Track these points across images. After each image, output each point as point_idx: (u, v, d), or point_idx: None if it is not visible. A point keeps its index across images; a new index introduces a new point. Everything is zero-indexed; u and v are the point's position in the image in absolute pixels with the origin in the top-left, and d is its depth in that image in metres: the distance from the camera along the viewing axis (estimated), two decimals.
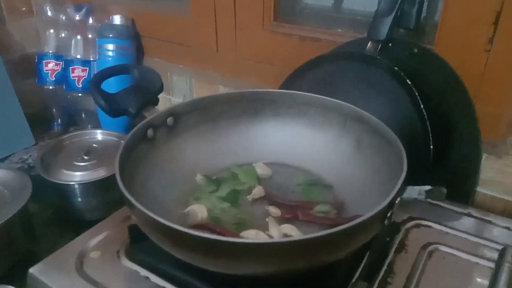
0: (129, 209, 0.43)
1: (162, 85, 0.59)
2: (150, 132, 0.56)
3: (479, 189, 0.74)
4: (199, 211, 0.52)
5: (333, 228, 0.37)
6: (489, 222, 0.59)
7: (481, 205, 0.74)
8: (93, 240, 0.55)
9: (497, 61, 0.66)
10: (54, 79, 1.07)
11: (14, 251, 0.67)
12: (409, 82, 0.65)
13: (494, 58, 0.66)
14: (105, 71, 0.58)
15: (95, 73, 0.82)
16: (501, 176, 0.72)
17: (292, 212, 0.53)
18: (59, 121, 1.11)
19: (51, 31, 1.06)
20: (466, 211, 0.61)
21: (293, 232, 0.50)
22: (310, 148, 0.64)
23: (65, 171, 0.78)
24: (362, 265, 0.50)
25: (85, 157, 0.81)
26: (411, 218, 0.59)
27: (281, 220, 0.53)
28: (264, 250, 0.38)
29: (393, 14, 0.68)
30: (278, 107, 0.66)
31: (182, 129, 0.61)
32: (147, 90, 0.58)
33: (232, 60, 0.94)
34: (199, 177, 0.60)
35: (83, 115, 1.09)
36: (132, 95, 0.56)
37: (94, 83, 0.54)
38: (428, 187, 0.43)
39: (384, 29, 0.69)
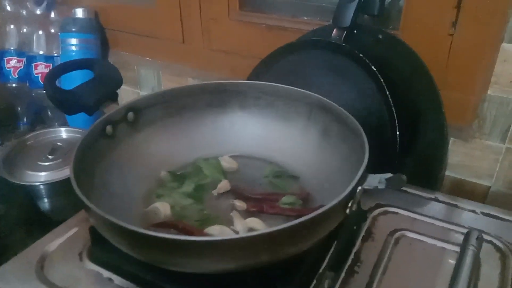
0: (85, 211, 0.42)
1: (121, 80, 0.58)
2: (109, 128, 0.54)
3: (447, 173, 0.75)
4: (162, 208, 0.51)
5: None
6: (456, 206, 0.59)
7: (450, 189, 0.75)
8: (54, 242, 0.54)
9: (461, 45, 0.66)
10: (17, 76, 1.03)
11: None
12: (375, 69, 0.65)
13: (458, 42, 0.66)
14: (60, 66, 0.56)
15: (50, 69, 0.79)
16: (468, 159, 0.73)
17: (258, 205, 0.52)
18: (25, 119, 1.08)
19: (12, 26, 1.02)
20: (433, 196, 0.61)
21: (258, 226, 0.49)
22: (277, 139, 0.63)
23: (29, 172, 0.76)
24: (329, 255, 0.50)
25: (50, 157, 0.79)
26: (378, 205, 0.59)
27: (247, 214, 0.52)
28: (224, 246, 0.37)
29: (357, 0, 0.67)
30: (244, 98, 0.65)
31: (144, 124, 0.60)
32: (106, 85, 0.56)
33: (200, 51, 0.92)
34: (163, 173, 0.59)
35: (49, 113, 1.06)
36: (89, 91, 0.54)
37: (48, 80, 0.52)
38: (388, 175, 0.43)
39: (348, 15, 0.68)
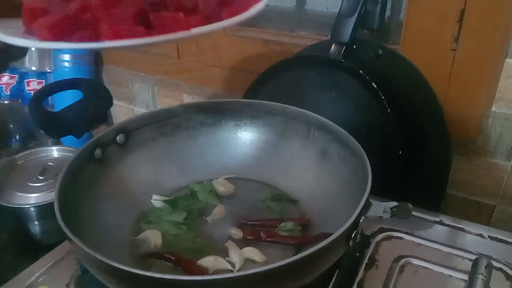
0: (70, 245, 0.39)
1: (111, 100, 0.55)
2: (98, 152, 0.52)
3: (452, 191, 0.72)
4: (153, 237, 0.48)
5: (298, 248, 0.34)
6: (461, 229, 0.57)
7: (454, 208, 0.73)
8: (40, 272, 0.51)
9: (463, 60, 0.65)
10: (9, 93, 1.01)
11: None
12: (375, 86, 0.63)
13: (460, 57, 0.65)
14: (46, 88, 0.53)
15: (42, 86, 0.77)
16: (473, 177, 0.71)
17: (255, 233, 0.50)
18: (17, 136, 1.05)
19: None
20: (437, 219, 0.58)
21: (256, 256, 0.46)
22: (275, 160, 0.61)
23: (19, 194, 0.73)
24: (331, 285, 0.47)
25: (40, 177, 0.76)
26: (381, 230, 0.56)
27: (243, 242, 0.49)
28: (218, 285, 0.34)
29: (356, 14, 0.66)
30: (240, 117, 0.63)
31: (134, 146, 0.57)
32: (95, 106, 0.54)
33: (195, 66, 0.90)
34: (154, 198, 0.56)
35: (42, 130, 1.04)
36: (77, 113, 0.52)
37: (34, 102, 0.49)
38: (393, 203, 0.40)
39: (347, 30, 0.66)
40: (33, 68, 0.99)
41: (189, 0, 0.39)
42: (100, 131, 0.53)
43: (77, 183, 0.49)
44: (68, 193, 0.45)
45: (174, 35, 0.36)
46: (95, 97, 0.54)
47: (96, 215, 0.50)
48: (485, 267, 0.46)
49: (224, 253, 0.47)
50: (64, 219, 0.39)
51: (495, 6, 0.60)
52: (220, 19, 0.40)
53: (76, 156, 0.49)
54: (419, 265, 0.51)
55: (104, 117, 0.54)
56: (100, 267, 0.37)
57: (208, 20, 0.39)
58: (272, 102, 0.60)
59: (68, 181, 0.46)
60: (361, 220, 0.39)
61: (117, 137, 0.55)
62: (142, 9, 0.37)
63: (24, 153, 0.82)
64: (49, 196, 0.73)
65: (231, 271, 0.45)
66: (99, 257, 0.35)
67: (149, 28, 0.36)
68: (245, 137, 0.62)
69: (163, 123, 0.60)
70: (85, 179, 0.50)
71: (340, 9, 0.67)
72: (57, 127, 0.50)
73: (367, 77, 0.63)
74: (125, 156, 0.56)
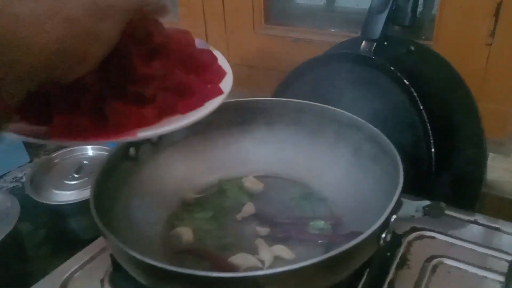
0: (105, 241, 0.41)
1: None
2: (132, 150, 0.53)
3: (487, 191, 0.70)
4: (184, 233, 0.49)
5: (328, 247, 0.34)
6: (497, 229, 0.55)
7: (490, 208, 0.71)
8: (76, 268, 0.53)
9: (499, 55, 0.63)
10: None
11: (6, 275, 0.64)
12: (407, 83, 0.62)
13: (496, 52, 0.63)
14: None
15: None
16: (509, 175, 0.68)
17: (285, 230, 0.50)
18: None
19: None
20: (472, 218, 0.57)
21: (285, 254, 0.47)
22: (305, 158, 0.61)
23: (55, 191, 0.76)
24: (361, 284, 0.47)
25: (76, 175, 0.78)
26: (413, 229, 0.55)
27: (272, 240, 0.50)
28: (249, 283, 0.35)
29: (387, 10, 0.65)
30: (270, 115, 0.63)
31: (167, 144, 0.58)
32: None
33: None
34: (185, 196, 0.57)
35: None
36: None
37: None
38: (426, 202, 0.40)
39: (378, 27, 0.65)
40: None
41: (146, 88, 0.35)
42: None
43: (111, 180, 0.50)
44: (103, 191, 0.47)
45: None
46: None
47: (129, 212, 0.51)
48: None
49: (253, 251, 0.48)
50: (99, 215, 0.41)
51: None
52: (176, 111, 0.37)
53: (111, 155, 0.50)
54: (453, 266, 0.50)
55: None
56: (133, 263, 0.38)
57: (162, 113, 0.36)
58: (302, 101, 0.60)
59: (103, 178, 0.48)
60: (392, 219, 0.39)
61: None
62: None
63: (60, 152, 0.85)
64: (85, 193, 0.75)
65: (261, 268, 0.46)
66: (132, 253, 0.36)
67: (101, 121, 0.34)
68: (274, 135, 0.62)
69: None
70: (119, 176, 0.52)
71: (370, 5, 0.66)
72: None
73: (398, 74, 0.62)
74: (158, 154, 0.57)
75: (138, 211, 0.52)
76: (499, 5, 0.60)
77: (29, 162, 1.00)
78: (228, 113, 0.62)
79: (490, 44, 0.63)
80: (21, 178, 0.95)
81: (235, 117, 0.62)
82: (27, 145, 1.00)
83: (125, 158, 0.53)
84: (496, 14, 0.61)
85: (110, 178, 0.50)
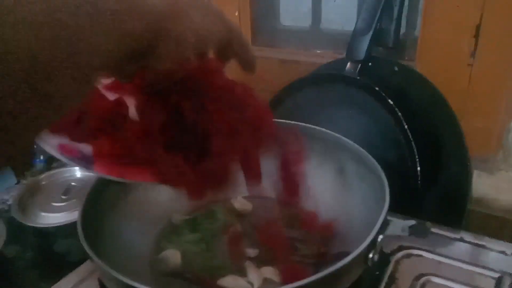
0: (92, 263, 0.40)
1: None
2: None
3: (473, 207, 0.71)
4: (172, 256, 0.49)
5: (316, 267, 0.34)
6: (483, 246, 0.56)
7: (476, 224, 0.72)
8: None
9: (481, 75, 0.65)
10: None
11: None
12: (391, 103, 0.63)
13: (477, 72, 0.65)
14: None
15: None
16: (494, 192, 0.70)
17: (273, 251, 0.50)
18: (41, 157, 1.08)
19: None
20: (458, 236, 0.57)
21: (274, 276, 0.47)
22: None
23: (43, 213, 0.75)
24: None
25: (63, 197, 0.78)
26: (401, 248, 0.55)
27: (261, 261, 0.50)
28: None
29: (371, 32, 0.66)
30: None
31: None
32: None
33: None
34: (174, 218, 0.57)
35: None
36: None
37: None
38: (412, 222, 0.40)
39: (362, 48, 0.67)
40: None
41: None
42: None
43: (99, 203, 0.50)
44: (91, 214, 0.47)
45: None
46: None
47: (117, 235, 0.51)
48: (510, 285, 0.45)
49: (242, 272, 0.48)
50: (86, 238, 0.40)
51: (510, 20, 0.60)
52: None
53: (100, 177, 0.50)
54: (440, 284, 0.51)
55: None
56: (120, 286, 0.37)
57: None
58: (289, 121, 0.61)
59: (91, 202, 0.47)
60: (379, 239, 0.39)
61: None
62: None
63: (48, 173, 0.85)
64: (73, 215, 0.74)
65: None
66: (119, 277, 0.36)
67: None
68: (262, 156, 0.63)
69: None
70: (107, 199, 0.51)
71: (355, 27, 0.68)
72: None
73: (383, 94, 0.64)
74: None
75: (126, 234, 0.52)
76: (478, 27, 0.62)
77: (16, 184, 0.99)
78: None
79: (472, 64, 0.65)
80: (7, 200, 0.94)
81: None
82: (13, 167, 0.99)
83: (112, 181, 0.53)
84: (476, 35, 0.63)
85: (98, 201, 0.50)
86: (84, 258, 0.57)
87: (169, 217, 0.57)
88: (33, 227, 0.72)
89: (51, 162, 1.08)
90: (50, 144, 0.35)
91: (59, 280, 0.55)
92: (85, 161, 0.35)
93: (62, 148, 0.35)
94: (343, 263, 0.36)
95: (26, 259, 0.77)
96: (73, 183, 0.82)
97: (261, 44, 0.85)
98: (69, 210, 0.75)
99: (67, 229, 0.73)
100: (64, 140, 0.35)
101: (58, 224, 0.72)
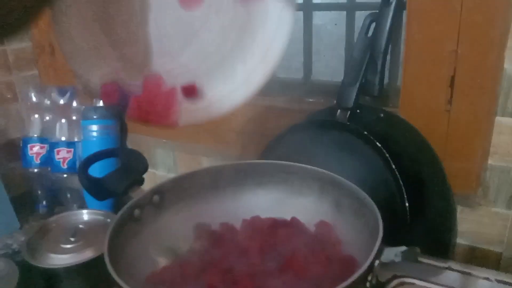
0: None
1: (147, 166, 0.62)
2: (137, 212, 0.58)
3: (459, 241, 0.76)
4: None
5: None
6: (470, 274, 0.61)
7: (464, 256, 0.77)
8: None
9: (458, 120, 0.71)
10: (39, 161, 1.08)
11: None
12: (379, 145, 0.69)
13: (455, 117, 0.71)
14: (91, 157, 0.61)
15: (82, 160, 0.84)
16: (477, 227, 0.75)
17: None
18: (44, 202, 1.11)
19: (36, 116, 1.09)
20: (446, 265, 0.63)
21: None
22: (293, 213, 0.66)
23: (52, 255, 0.78)
24: None
25: (72, 239, 0.81)
26: (395, 277, 0.60)
27: None
28: None
29: (358, 83, 0.73)
30: (261, 176, 0.69)
31: (168, 204, 0.63)
32: (133, 171, 0.61)
33: (212, 131, 0.98)
34: (187, 250, 0.61)
35: (68, 195, 1.10)
36: (119, 178, 0.58)
37: (82, 170, 0.56)
38: (403, 248, 0.46)
39: (351, 97, 0.74)
40: (63, 138, 1.07)
41: None
42: (138, 193, 0.60)
43: (118, 241, 0.54)
44: (112, 250, 0.51)
45: None
46: (133, 163, 0.61)
47: (134, 270, 0.54)
48: None
49: None
50: (117, 272, 0.44)
51: (481, 71, 0.66)
52: None
53: (119, 217, 0.55)
54: None
55: (141, 181, 0.61)
56: None
57: None
58: (290, 162, 0.67)
59: (113, 239, 0.52)
60: (376, 263, 0.45)
61: (153, 198, 0.61)
62: None
63: (57, 216, 0.87)
64: (80, 257, 0.77)
65: None
66: None
67: None
68: (265, 194, 0.68)
69: (191, 184, 0.66)
70: (125, 237, 0.56)
71: (343, 79, 0.75)
72: (101, 191, 0.57)
73: (371, 138, 0.70)
74: (160, 214, 0.62)
75: (142, 269, 0.55)
76: (453, 78, 0.69)
77: (19, 229, 1.02)
78: (222, 175, 0.68)
79: (449, 111, 0.71)
80: (11, 244, 0.96)
81: (229, 179, 0.68)
82: (17, 211, 1.02)
83: (131, 219, 0.57)
84: (451, 85, 0.70)
85: (116, 238, 0.54)
86: None
87: (184, 252, 0.61)
88: (43, 268, 0.75)
89: (52, 207, 1.11)
90: None
91: None
92: None
93: None
94: (345, 284, 0.41)
95: None
96: (81, 226, 0.85)
97: (258, 93, 0.92)
98: (77, 252, 0.78)
99: (75, 270, 0.75)
100: None
101: (67, 265, 0.75)
